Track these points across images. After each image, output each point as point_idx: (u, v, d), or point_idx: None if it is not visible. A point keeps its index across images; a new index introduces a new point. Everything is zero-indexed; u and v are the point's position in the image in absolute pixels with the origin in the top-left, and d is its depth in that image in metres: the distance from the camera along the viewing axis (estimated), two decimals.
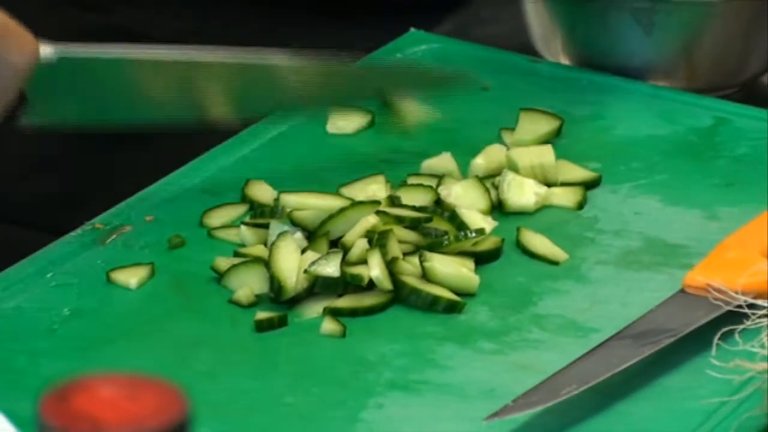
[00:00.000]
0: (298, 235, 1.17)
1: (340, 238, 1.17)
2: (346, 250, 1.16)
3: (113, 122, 1.30)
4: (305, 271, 1.14)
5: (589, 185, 1.27)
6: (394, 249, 1.15)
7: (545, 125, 1.32)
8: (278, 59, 1.33)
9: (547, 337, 1.12)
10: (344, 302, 1.14)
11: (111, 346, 1.10)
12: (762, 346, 1.02)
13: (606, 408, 1.04)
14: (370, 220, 1.17)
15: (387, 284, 1.14)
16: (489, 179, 1.27)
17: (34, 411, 0.60)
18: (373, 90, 1.37)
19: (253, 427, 1.04)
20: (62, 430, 0.60)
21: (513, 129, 1.32)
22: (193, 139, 1.33)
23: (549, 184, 1.27)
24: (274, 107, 1.36)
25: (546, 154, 1.28)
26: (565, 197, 1.27)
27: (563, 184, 1.28)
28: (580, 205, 1.26)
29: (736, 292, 1.07)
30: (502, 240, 1.20)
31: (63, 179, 1.26)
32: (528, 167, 1.27)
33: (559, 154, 1.30)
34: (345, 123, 1.36)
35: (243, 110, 1.34)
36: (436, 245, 1.17)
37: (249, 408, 1.05)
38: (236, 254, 1.18)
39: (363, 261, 1.15)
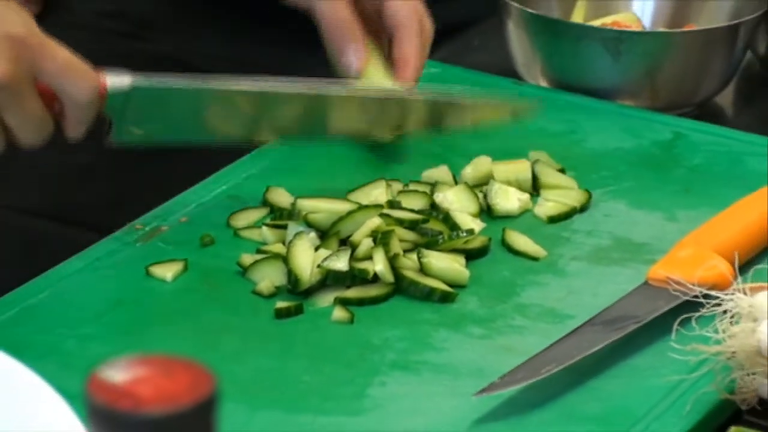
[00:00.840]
0: (312, 234, 1.18)
1: (349, 237, 1.17)
2: (353, 247, 1.16)
3: (184, 141, 1.28)
4: (318, 266, 1.14)
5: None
6: (395, 247, 1.16)
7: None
8: (335, 89, 1.31)
9: (528, 323, 1.12)
10: (352, 293, 1.14)
11: (149, 331, 1.11)
12: (715, 332, 1.01)
13: (580, 384, 1.06)
14: (375, 221, 1.18)
15: (389, 277, 1.15)
16: (478, 187, 1.26)
17: (82, 388, 0.59)
18: (420, 120, 1.34)
19: (274, 402, 1.04)
20: (107, 405, 0.60)
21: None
22: (220, 150, 1.32)
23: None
24: (326, 134, 1.34)
25: (522, 169, 1.28)
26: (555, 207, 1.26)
27: (548, 187, 1.28)
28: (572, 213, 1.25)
29: (693, 284, 1.07)
30: (490, 239, 1.20)
31: (109, 186, 1.25)
32: (505, 180, 1.27)
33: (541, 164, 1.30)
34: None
35: (293, 135, 1.33)
36: (431, 243, 1.18)
37: (270, 386, 1.06)
38: (258, 251, 1.18)
39: (368, 257, 1.15)
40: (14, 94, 1.14)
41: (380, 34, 1.38)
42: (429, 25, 1.37)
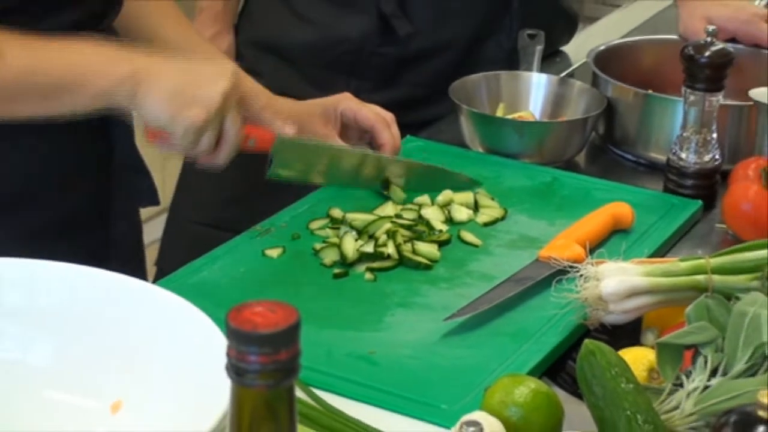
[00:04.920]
0: (354, 232, 1.17)
1: (373, 233, 1.17)
2: (376, 239, 1.15)
3: (316, 181, 1.23)
4: (357, 250, 1.14)
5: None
6: (399, 239, 1.16)
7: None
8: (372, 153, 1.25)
9: (473, 281, 1.12)
10: (376, 265, 1.13)
11: (264, 286, 1.10)
12: (575, 286, 1.02)
13: (501, 315, 1.06)
14: (388, 225, 1.18)
15: (395, 256, 1.14)
16: (445, 206, 1.24)
17: (226, 318, 0.58)
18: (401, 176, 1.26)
19: (331, 325, 1.04)
20: (238, 327, 0.58)
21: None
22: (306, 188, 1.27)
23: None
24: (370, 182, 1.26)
25: (469, 197, 1.25)
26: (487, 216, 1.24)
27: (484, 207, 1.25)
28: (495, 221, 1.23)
29: (563, 260, 1.06)
30: (451, 235, 1.19)
31: (243, 207, 1.19)
32: (459, 202, 1.25)
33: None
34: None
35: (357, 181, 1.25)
36: (419, 237, 1.18)
37: (329, 316, 1.05)
38: (324, 242, 1.16)
39: (384, 245, 1.15)
40: (214, 132, 1.06)
41: (355, 133, 1.29)
42: (393, 119, 1.27)
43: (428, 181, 1.27)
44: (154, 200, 1.18)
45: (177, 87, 1.03)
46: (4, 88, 0.98)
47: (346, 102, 1.25)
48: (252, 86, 1.15)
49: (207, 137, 1.05)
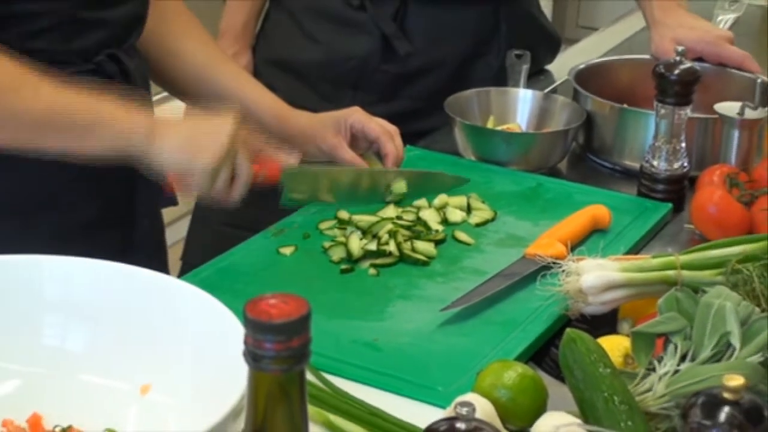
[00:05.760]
0: (359, 232, 1.17)
1: (377, 233, 1.16)
2: (379, 238, 1.15)
3: (326, 200, 1.22)
4: (362, 248, 1.14)
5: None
6: (400, 238, 1.16)
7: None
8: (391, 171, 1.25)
9: (466, 275, 1.11)
10: (379, 261, 1.13)
11: (277, 282, 1.09)
12: (558, 280, 1.01)
13: (492, 306, 1.06)
14: (389, 225, 1.18)
15: (396, 253, 1.14)
16: (441, 209, 1.24)
17: (243, 309, 0.58)
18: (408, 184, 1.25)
19: (338, 315, 1.03)
20: (254, 318, 0.57)
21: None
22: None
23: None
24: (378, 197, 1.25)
25: (463, 200, 1.25)
26: (479, 217, 1.23)
27: (476, 210, 1.24)
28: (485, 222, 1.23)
29: (547, 257, 1.06)
30: (446, 235, 1.19)
31: (260, 214, 1.18)
32: (453, 205, 1.24)
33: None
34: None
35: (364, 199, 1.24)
36: (418, 236, 1.18)
37: (336, 307, 1.05)
38: (332, 241, 1.16)
39: (386, 243, 1.15)
40: (228, 171, 1.07)
41: (363, 143, 1.28)
42: (396, 132, 1.27)
43: (421, 183, 1.26)
44: (172, 201, 1.17)
45: (189, 135, 1.05)
46: (36, 120, 1.00)
47: (355, 115, 1.26)
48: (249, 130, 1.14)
49: (222, 176, 1.06)
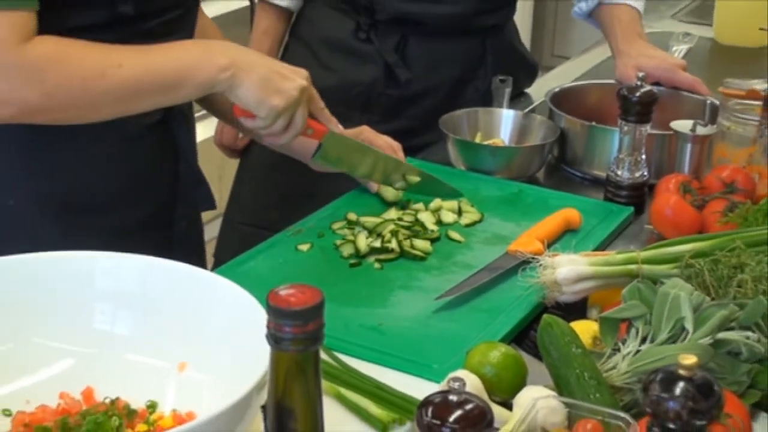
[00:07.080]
0: (365, 232, 1.16)
1: (381, 232, 1.16)
2: (383, 237, 1.15)
3: (344, 169, 1.19)
4: (368, 245, 1.13)
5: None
6: (400, 236, 1.15)
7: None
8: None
9: (457, 269, 1.11)
10: (382, 256, 1.12)
11: (295, 275, 1.08)
12: (536, 273, 1.00)
13: (479, 295, 1.05)
14: (392, 225, 1.17)
15: (398, 249, 1.13)
16: (436, 211, 1.23)
17: (266, 299, 0.58)
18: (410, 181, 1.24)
19: (347, 303, 1.02)
20: (276, 305, 0.57)
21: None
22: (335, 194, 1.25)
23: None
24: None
25: (454, 204, 1.23)
26: (469, 218, 1.22)
27: (465, 212, 1.24)
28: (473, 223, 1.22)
29: (527, 253, 1.06)
30: (440, 234, 1.18)
31: (279, 213, 1.15)
32: (446, 208, 1.23)
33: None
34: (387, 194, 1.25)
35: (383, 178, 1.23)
36: (416, 235, 1.17)
37: (345, 295, 1.04)
38: (343, 239, 1.15)
39: (389, 241, 1.14)
40: (287, 118, 1.05)
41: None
42: (399, 147, 1.26)
43: (426, 187, 1.26)
44: (211, 205, 1.16)
45: (266, 77, 1.01)
46: (126, 91, 0.95)
47: (365, 133, 1.25)
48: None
49: (282, 121, 1.05)
